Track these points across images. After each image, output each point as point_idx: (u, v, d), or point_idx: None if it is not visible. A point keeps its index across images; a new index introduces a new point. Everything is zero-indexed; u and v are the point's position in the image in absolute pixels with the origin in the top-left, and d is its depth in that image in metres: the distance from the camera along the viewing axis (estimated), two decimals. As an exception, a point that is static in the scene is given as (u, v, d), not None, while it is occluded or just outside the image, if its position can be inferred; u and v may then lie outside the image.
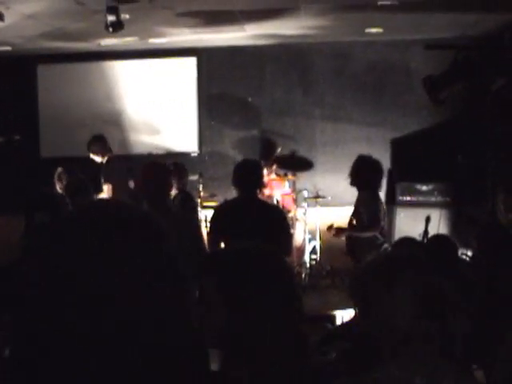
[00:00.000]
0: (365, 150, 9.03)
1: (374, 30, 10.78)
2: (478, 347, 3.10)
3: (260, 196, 6.82)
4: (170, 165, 6.94)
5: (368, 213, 7.63)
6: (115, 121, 12.68)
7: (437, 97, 9.24)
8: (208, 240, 6.29)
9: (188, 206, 7.72)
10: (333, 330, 5.18)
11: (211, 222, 6.60)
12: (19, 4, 8.27)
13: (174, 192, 7.88)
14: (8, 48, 11.69)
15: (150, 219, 1.45)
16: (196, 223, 5.99)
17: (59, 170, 8.46)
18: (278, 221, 6.38)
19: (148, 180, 5.57)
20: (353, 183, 7.80)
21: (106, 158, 9.42)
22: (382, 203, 7.77)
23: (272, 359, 2.00)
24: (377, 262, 2.44)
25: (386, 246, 7.73)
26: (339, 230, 7.97)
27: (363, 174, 7.67)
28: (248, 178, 6.31)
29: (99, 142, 9.55)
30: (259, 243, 2.18)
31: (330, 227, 8.20)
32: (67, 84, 12.61)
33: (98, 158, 9.36)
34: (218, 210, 6.80)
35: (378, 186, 7.81)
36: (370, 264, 2.46)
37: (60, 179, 8.37)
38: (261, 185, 6.51)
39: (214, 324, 2.05)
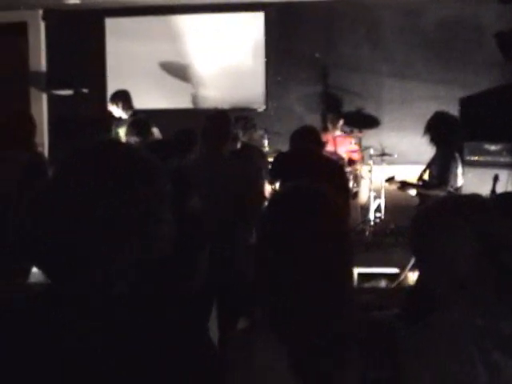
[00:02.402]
0: (432, 108, 8.87)
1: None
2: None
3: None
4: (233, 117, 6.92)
5: (437, 171, 7.48)
6: (182, 75, 12.69)
7: (509, 53, 9.05)
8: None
9: (245, 157, 7.60)
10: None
11: (272, 168, 6.74)
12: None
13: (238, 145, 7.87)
14: (77, 1, 11.77)
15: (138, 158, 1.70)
16: (252, 173, 6.04)
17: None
18: (336, 174, 6.46)
19: (206, 127, 5.75)
20: (431, 140, 7.57)
21: (129, 113, 9.19)
22: (456, 163, 7.51)
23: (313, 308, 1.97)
24: (435, 205, 2.40)
25: None
26: (404, 184, 7.82)
27: (440, 130, 7.47)
28: (311, 136, 6.53)
29: (125, 97, 9.31)
30: (313, 184, 2.13)
31: (391, 179, 8.07)
32: (134, 38, 12.64)
33: (118, 113, 9.18)
34: (278, 158, 6.89)
35: (454, 144, 7.60)
36: (428, 208, 2.41)
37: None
38: (322, 144, 6.83)
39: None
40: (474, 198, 2.37)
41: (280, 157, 7.11)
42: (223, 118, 5.92)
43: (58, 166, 1.67)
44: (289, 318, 1.97)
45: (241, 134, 7.79)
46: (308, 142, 6.57)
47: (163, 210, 1.68)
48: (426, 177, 7.84)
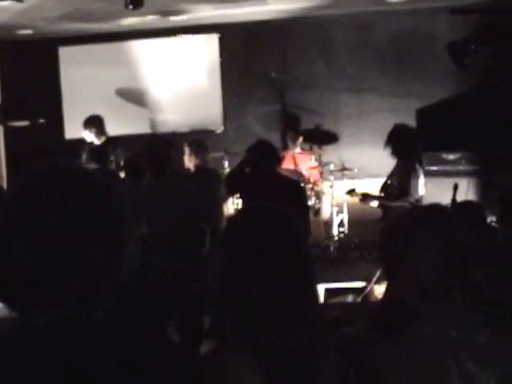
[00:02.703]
0: (390, 120, 8.94)
1: (395, -1, 10.67)
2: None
3: (279, 170, 7.06)
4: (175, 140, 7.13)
5: (398, 182, 7.52)
6: (139, 100, 12.68)
7: (462, 62, 9.13)
8: None
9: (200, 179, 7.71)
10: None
11: (227, 186, 6.88)
12: (38, -15, 8.28)
13: (192, 168, 7.89)
14: (29, 31, 11.72)
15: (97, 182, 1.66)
16: (204, 196, 6.29)
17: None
18: (294, 193, 6.53)
19: (148, 153, 6.10)
20: (392, 153, 7.60)
21: (102, 139, 9.17)
22: (416, 174, 7.53)
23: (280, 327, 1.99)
24: (399, 217, 2.42)
25: None
26: (366, 196, 7.84)
27: (401, 142, 7.49)
28: (267, 154, 6.57)
29: (98, 122, 9.29)
30: (273, 204, 2.19)
31: (352, 191, 8.09)
32: (89, 65, 12.60)
33: (90, 138, 9.14)
34: (234, 175, 7.00)
35: (415, 156, 7.63)
36: (393, 220, 2.44)
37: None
38: (279, 161, 6.92)
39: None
40: (437, 208, 2.39)
41: (235, 174, 7.14)
42: (159, 141, 6.19)
43: (12, 191, 1.64)
44: (255, 331, 1.99)
45: (194, 157, 7.82)
46: (264, 158, 6.61)
47: (124, 231, 1.66)
48: (388, 188, 7.87)
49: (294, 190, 6.68)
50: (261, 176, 6.56)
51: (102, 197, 1.63)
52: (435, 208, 2.38)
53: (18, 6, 8.54)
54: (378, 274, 4.81)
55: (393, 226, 2.38)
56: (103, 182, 1.66)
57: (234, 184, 6.94)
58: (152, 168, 6.07)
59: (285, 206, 2.16)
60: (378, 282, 5.23)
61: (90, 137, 9.07)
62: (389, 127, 7.71)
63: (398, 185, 7.47)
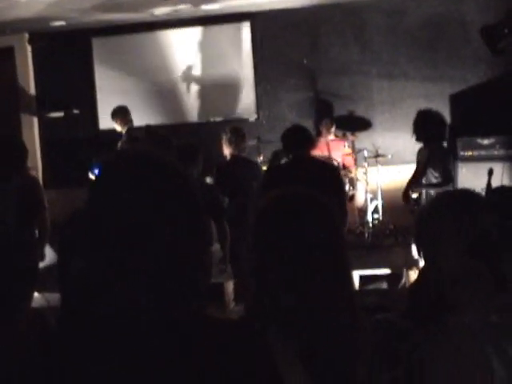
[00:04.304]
0: (423, 106, 8.89)
1: (428, -16, 10.59)
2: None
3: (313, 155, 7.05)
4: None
5: (440, 170, 7.47)
6: (172, 90, 12.69)
7: (496, 46, 9.06)
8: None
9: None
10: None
11: (264, 179, 6.81)
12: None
13: (228, 157, 7.97)
14: (62, 23, 11.79)
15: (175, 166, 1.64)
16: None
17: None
18: (331, 178, 6.50)
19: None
20: (419, 138, 7.60)
21: (125, 128, 9.52)
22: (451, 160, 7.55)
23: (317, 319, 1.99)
24: (431, 202, 2.43)
25: None
26: (406, 195, 7.80)
27: (428, 128, 7.48)
28: (299, 139, 6.58)
29: (121, 113, 9.68)
30: (301, 188, 2.17)
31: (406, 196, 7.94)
32: (122, 56, 12.66)
33: (118, 128, 9.53)
34: (271, 170, 6.94)
35: (444, 139, 7.65)
36: (424, 206, 2.46)
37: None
38: (312, 146, 6.88)
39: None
40: (463, 193, 2.39)
41: (274, 169, 7.11)
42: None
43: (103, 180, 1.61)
44: (293, 314, 2.00)
45: (228, 146, 7.91)
46: (301, 145, 6.62)
47: (203, 217, 1.65)
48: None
49: (330, 175, 6.66)
50: (296, 163, 6.55)
51: (185, 181, 1.61)
52: (461, 193, 2.39)
53: (51, -3, 8.61)
54: (411, 259, 4.80)
55: (422, 212, 2.39)
56: (180, 168, 1.65)
57: (272, 177, 6.84)
58: None
59: (319, 191, 2.15)
60: (412, 267, 5.24)
61: (118, 127, 9.46)
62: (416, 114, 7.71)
63: (440, 173, 7.43)
